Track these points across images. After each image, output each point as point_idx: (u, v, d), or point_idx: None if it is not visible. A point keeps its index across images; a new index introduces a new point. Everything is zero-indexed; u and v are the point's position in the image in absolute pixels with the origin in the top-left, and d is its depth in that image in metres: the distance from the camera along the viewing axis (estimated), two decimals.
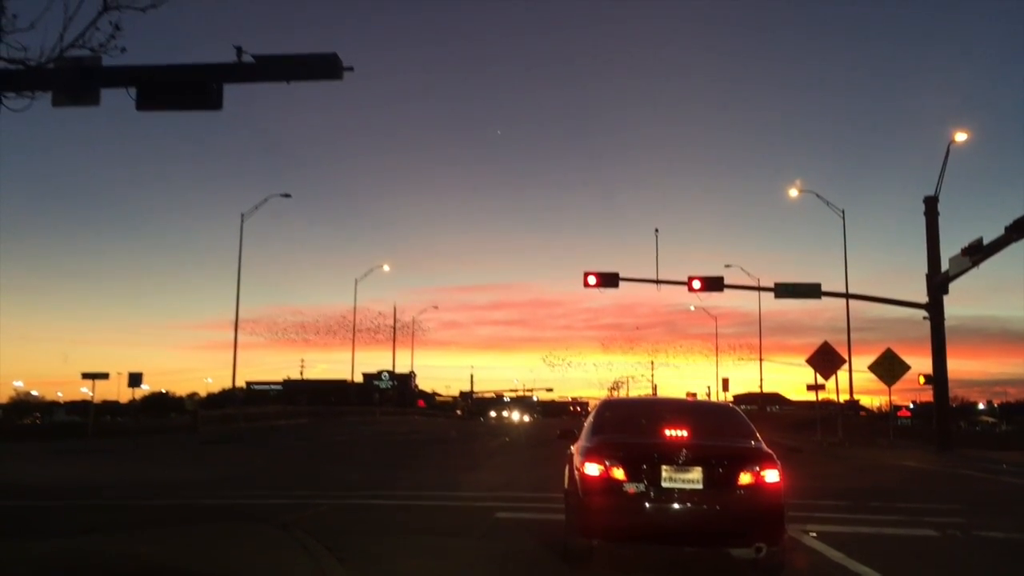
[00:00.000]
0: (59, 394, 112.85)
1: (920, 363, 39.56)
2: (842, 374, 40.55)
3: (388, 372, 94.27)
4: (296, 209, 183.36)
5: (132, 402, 63.67)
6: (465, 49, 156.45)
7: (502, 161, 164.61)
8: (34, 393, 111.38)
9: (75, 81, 15.24)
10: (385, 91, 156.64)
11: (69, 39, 13.79)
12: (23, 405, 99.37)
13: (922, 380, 40.69)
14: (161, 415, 59.47)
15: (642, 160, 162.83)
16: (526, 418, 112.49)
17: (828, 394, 45.76)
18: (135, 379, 41.04)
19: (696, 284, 39.20)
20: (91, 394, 41.14)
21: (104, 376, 39.11)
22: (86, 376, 38.97)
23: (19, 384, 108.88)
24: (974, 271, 31.40)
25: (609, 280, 40.24)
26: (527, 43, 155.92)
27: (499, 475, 19.20)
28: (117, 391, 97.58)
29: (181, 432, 41.97)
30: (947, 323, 34.29)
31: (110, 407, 76.12)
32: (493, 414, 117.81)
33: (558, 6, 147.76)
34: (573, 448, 9.28)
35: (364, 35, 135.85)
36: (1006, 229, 28.62)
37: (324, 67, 15.35)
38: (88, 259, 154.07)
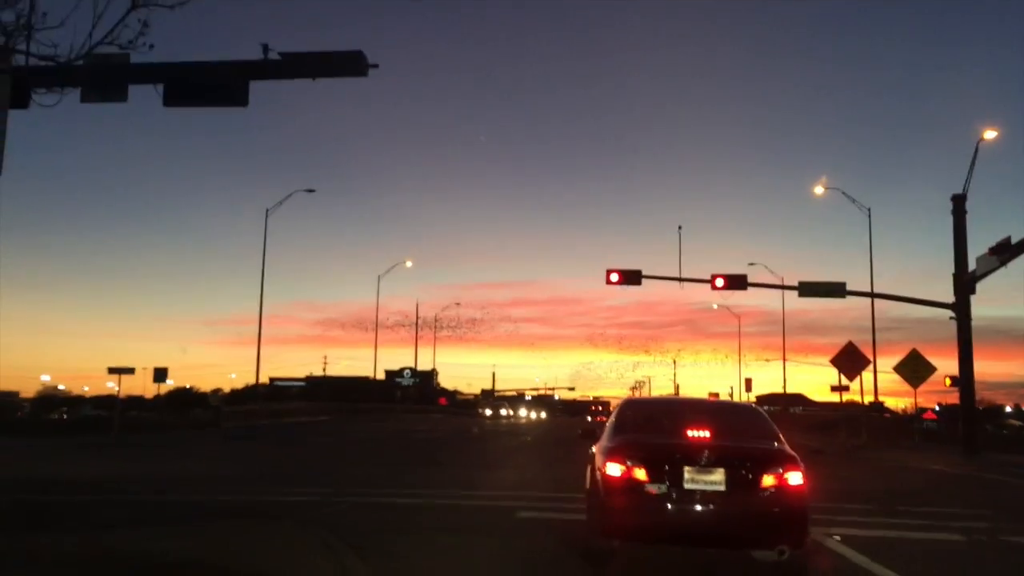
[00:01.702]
0: (85, 388, 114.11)
1: (946, 364, 39.15)
2: (866, 375, 40.25)
3: (410, 369, 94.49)
4: (320, 205, 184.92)
5: (157, 397, 64.20)
6: (489, 46, 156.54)
7: (526, 157, 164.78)
8: (61, 387, 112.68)
9: (104, 78, 15.39)
10: (409, 88, 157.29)
11: (98, 37, 13.91)
12: (50, 399, 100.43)
13: (948, 382, 40.26)
14: (185, 411, 59.92)
15: (666, 157, 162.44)
16: (543, 415, 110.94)
17: (852, 395, 45.33)
18: (160, 374, 41.27)
19: (719, 282, 38.96)
20: (117, 389, 41.46)
21: (130, 371, 39.35)
22: (112, 371, 39.27)
23: (46, 378, 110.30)
24: (1002, 271, 31.06)
25: (632, 277, 40.11)
26: (551, 39, 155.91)
27: (519, 474, 19.19)
28: (143, 386, 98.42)
29: (205, 428, 42.32)
30: (974, 323, 33.86)
31: (136, 402, 76.70)
32: (489, 412, 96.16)
33: (582, 1, 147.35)
34: (595, 448, 9.27)
35: (389, 32, 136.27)
36: None
37: (349, 64, 15.43)
38: (114, 254, 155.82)
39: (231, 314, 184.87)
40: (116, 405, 40.92)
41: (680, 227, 42.63)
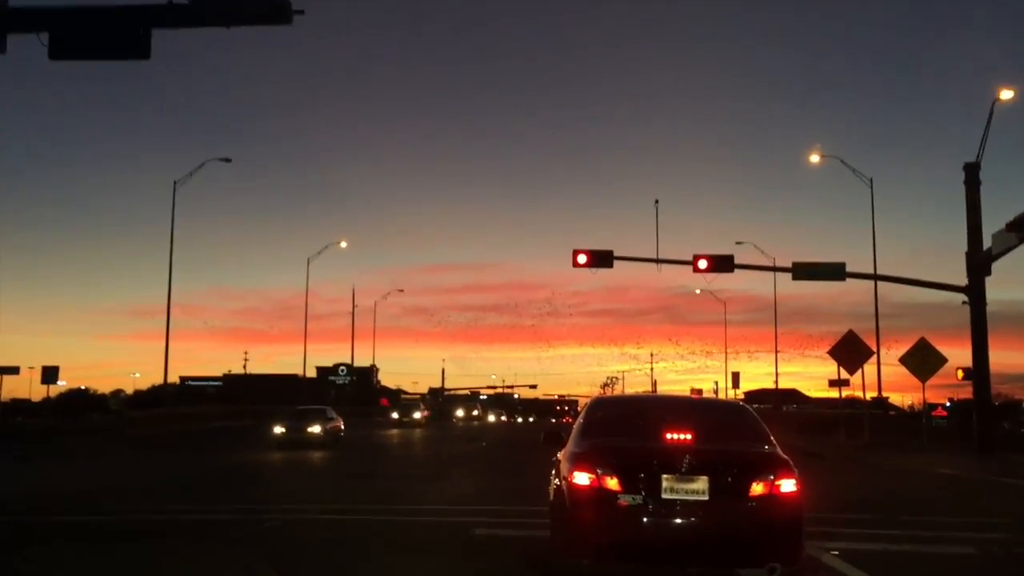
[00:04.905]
0: None
1: (958, 355, 39.84)
2: (869, 368, 40.84)
3: (346, 366, 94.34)
4: (238, 176, 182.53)
5: (46, 400, 63.27)
6: None
7: (479, 123, 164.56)
8: None
9: None
10: (342, 40, 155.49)
11: None
12: None
13: (960, 375, 40.98)
14: (81, 415, 59.17)
15: (640, 122, 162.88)
16: (487, 414, 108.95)
17: (853, 391, 46.11)
18: (50, 374, 40.74)
19: (702, 264, 39.22)
20: None
21: (14, 371, 38.85)
22: None
23: None
24: (1020, 249, 31.61)
25: (602, 259, 40.21)
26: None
27: (474, 485, 19.25)
28: (29, 388, 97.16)
29: (105, 435, 41.82)
30: (989, 309, 34.50)
31: (21, 406, 75.56)
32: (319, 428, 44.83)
33: None
34: (560, 454, 9.32)
35: None
36: None
37: (270, 10, 15.26)
38: None
39: (133, 303, 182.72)
40: None
41: (657, 202, 42.78)
